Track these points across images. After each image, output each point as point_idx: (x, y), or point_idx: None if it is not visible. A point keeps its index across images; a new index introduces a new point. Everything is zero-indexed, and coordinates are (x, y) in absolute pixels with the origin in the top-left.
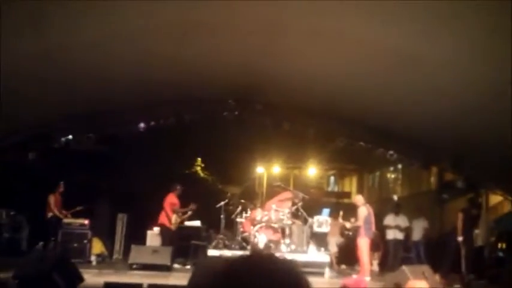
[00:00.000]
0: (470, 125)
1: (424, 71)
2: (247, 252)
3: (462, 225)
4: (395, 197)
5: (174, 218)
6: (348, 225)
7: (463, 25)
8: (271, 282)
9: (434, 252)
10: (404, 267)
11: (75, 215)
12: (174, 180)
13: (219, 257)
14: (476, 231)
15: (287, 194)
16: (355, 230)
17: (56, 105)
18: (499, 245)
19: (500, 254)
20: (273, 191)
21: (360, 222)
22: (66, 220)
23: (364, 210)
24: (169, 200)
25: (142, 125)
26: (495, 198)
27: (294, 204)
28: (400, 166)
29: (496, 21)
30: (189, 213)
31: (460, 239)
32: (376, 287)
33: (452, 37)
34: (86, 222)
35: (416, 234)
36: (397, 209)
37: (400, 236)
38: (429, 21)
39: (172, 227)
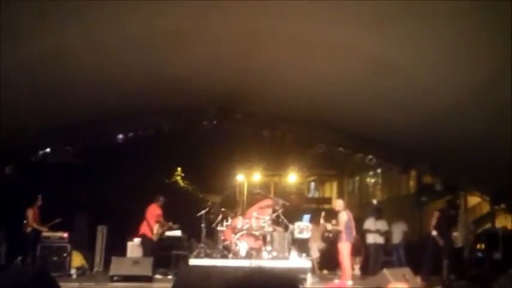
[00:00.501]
0: (448, 129)
1: (402, 77)
2: (228, 261)
3: (437, 223)
4: (374, 201)
5: (156, 228)
6: (329, 226)
7: (441, 32)
8: None
9: (415, 255)
10: (385, 271)
11: (54, 229)
12: (154, 191)
13: (199, 267)
14: (455, 233)
15: (267, 201)
16: (336, 233)
17: (32, 119)
18: (478, 246)
19: (480, 254)
20: (253, 199)
21: (341, 227)
22: (45, 234)
23: (345, 215)
24: (152, 210)
25: (120, 136)
26: (473, 200)
27: (274, 211)
28: (379, 170)
29: (472, 26)
30: (170, 226)
31: (434, 233)
32: None
33: (431, 43)
34: (65, 235)
35: (396, 238)
36: (377, 213)
37: (380, 240)
38: (407, 28)
39: (154, 238)
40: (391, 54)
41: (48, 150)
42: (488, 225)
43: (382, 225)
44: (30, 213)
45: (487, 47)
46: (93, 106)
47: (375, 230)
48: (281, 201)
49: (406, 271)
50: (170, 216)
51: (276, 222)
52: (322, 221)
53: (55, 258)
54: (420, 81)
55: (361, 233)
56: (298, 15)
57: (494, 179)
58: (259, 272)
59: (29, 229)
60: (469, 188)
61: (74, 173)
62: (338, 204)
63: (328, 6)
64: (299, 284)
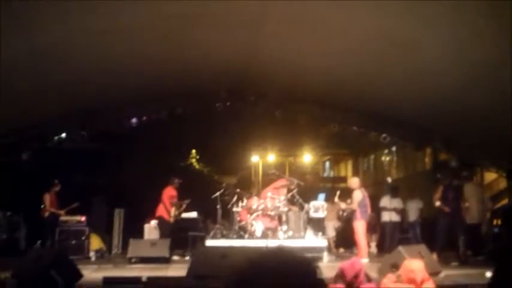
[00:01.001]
0: (462, 105)
1: (414, 55)
2: (244, 241)
3: (441, 196)
4: (389, 179)
5: (173, 210)
6: (343, 205)
7: (454, 6)
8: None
9: (431, 232)
10: (400, 248)
11: (72, 213)
12: (170, 173)
13: (215, 247)
14: (467, 204)
15: (282, 181)
16: (350, 212)
17: (47, 105)
18: (495, 222)
19: (496, 230)
20: (268, 179)
21: (355, 206)
22: (63, 218)
23: (359, 194)
24: (167, 192)
25: (134, 120)
26: (490, 176)
27: (289, 190)
28: (394, 148)
29: (486, 5)
30: (184, 206)
31: (437, 203)
32: (373, 268)
33: (442, 19)
34: (83, 219)
35: (412, 215)
36: (393, 191)
37: (396, 217)
38: (420, 7)
39: (171, 220)
40: (404, 33)
41: (63, 135)
42: (505, 201)
43: (398, 203)
44: (47, 198)
45: (500, 25)
46: (106, 91)
47: (391, 208)
48: (296, 181)
49: (422, 248)
50: (186, 198)
51: (291, 201)
52: (336, 199)
53: (73, 242)
54: (433, 59)
55: (377, 211)
56: None
57: (510, 154)
58: (275, 252)
59: (46, 213)
60: (485, 164)
61: (89, 157)
62: (353, 182)
63: None
64: (315, 263)
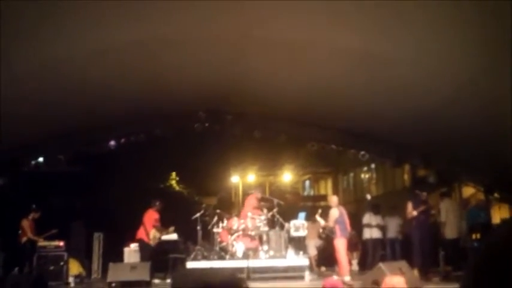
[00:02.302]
0: (439, 121)
1: (390, 71)
2: (226, 262)
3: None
4: (368, 196)
5: (152, 233)
6: (322, 222)
7: (427, 22)
8: None
9: (411, 248)
10: (381, 264)
11: (50, 238)
12: (149, 196)
13: (195, 269)
14: (443, 219)
15: (252, 198)
16: (330, 230)
17: (24, 128)
18: (474, 236)
19: (475, 244)
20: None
21: (331, 224)
22: (41, 243)
23: (336, 212)
24: (149, 215)
25: (113, 142)
26: (468, 190)
27: (270, 209)
28: (373, 166)
29: (461, 16)
30: (169, 229)
31: (414, 213)
32: (355, 286)
33: (418, 36)
34: (61, 244)
35: (392, 232)
36: (375, 208)
37: (377, 234)
38: (392, 22)
39: (151, 242)
40: (379, 50)
41: (41, 159)
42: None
43: (379, 220)
44: (25, 224)
45: (477, 39)
46: (84, 113)
47: (375, 225)
48: (276, 201)
49: (402, 264)
50: (166, 220)
51: (271, 221)
52: (318, 217)
53: (52, 267)
54: (410, 75)
55: (358, 228)
56: (285, 17)
57: (487, 169)
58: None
59: (24, 239)
60: (463, 179)
61: (68, 181)
62: (332, 200)
63: (314, 7)
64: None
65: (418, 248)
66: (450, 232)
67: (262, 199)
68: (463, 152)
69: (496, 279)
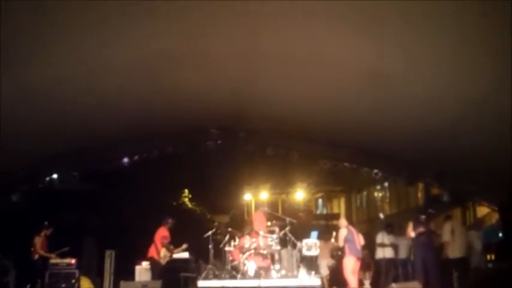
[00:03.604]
0: (452, 138)
1: (403, 89)
2: (237, 281)
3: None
4: (381, 215)
5: (163, 251)
6: (333, 241)
7: (440, 42)
8: None
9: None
10: (393, 285)
11: (62, 255)
12: (162, 213)
13: None
14: (443, 239)
15: (258, 215)
16: (340, 250)
17: (37, 146)
18: (488, 257)
19: (490, 265)
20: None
21: (340, 243)
22: (52, 260)
23: (344, 231)
24: (160, 233)
25: (126, 159)
26: (483, 210)
27: (282, 228)
28: (386, 184)
29: (471, 34)
30: (181, 247)
31: (412, 234)
32: None
33: (428, 53)
34: (73, 261)
35: (404, 252)
36: (388, 227)
37: (389, 254)
38: (403, 39)
39: (162, 261)
40: (391, 67)
41: (54, 176)
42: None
43: (392, 239)
44: (38, 240)
45: (487, 55)
46: (98, 131)
47: (388, 244)
48: (288, 219)
49: (415, 284)
50: (178, 238)
51: (283, 240)
52: (333, 240)
53: (63, 285)
54: (421, 92)
55: (371, 248)
56: (299, 33)
57: (501, 188)
58: None
59: (36, 256)
60: (476, 198)
61: (81, 198)
62: (341, 222)
63: (325, 22)
64: None
65: (419, 268)
66: (452, 252)
67: (270, 215)
68: (476, 171)
69: None
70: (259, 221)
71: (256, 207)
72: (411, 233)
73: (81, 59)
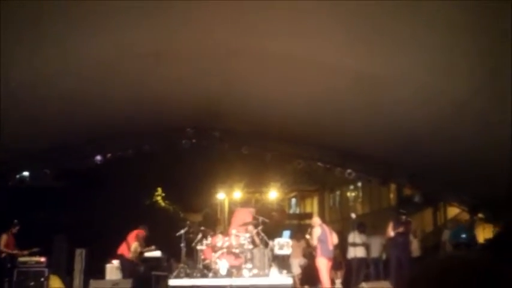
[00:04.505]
0: (426, 141)
1: (376, 90)
2: (208, 280)
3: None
4: (353, 215)
5: (134, 246)
6: (307, 237)
7: (415, 42)
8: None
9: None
10: (364, 284)
11: (32, 253)
12: (135, 212)
13: None
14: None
15: (243, 215)
16: (315, 249)
17: (9, 143)
18: None
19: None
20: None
21: (314, 242)
22: (21, 259)
23: (318, 230)
24: (135, 232)
25: (98, 157)
26: (453, 210)
27: (257, 226)
28: (359, 184)
29: (450, 35)
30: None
31: (392, 234)
32: None
33: (405, 55)
34: (43, 259)
35: (375, 251)
36: (361, 227)
37: (361, 253)
38: (380, 40)
39: (132, 256)
40: (369, 69)
41: (26, 173)
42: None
43: (364, 238)
44: (4, 238)
45: (464, 57)
46: (71, 129)
47: (360, 244)
48: (261, 218)
49: (385, 284)
50: (151, 236)
51: (255, 239)
52: (308, 236)
53: (32, 284)
54: (398, 95)
55: (343, 247)
56: (276, 33)
57: (472, 190)
58: None
59: (2, 255)
60: (448, 199)
61: (52, 196)
62: (314, 220)
63: (306, 23)
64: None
65: (394, 267)
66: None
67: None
68: (448, 173)
69: None
70: (242, 220)
71: (231, 208)
72: (391, 233)
73: (58, 58)
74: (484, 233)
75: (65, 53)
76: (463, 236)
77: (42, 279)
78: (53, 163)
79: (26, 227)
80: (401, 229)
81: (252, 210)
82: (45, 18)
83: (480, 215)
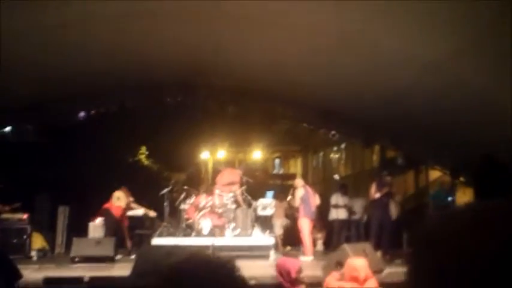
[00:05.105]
0: (409, 102)
1: (362, 52)
2: (191, 239)
3: (375, 190)
4: (336, 177)
5: (117, 194)
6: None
7: (406, 8)
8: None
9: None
10: (345, 246)
11: (14, 210)
12: (118, 170)
13: (160, 246)
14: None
15: (228, 175)
16: (297, 210)
17: None
18: None
19: None
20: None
21: (296, 203)
22: (3, 216)
23: (301, 191)
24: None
25: (82, 114)
26: (435, 174)
27: (242, 185)
28: (343, 146)
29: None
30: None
31: (377, 195)
32: (318, 266)
33: (394, 20)
34: (25, 216)
35: (357, 213)
36: (343, 189)
37: (343, 215)
38: (371, 4)
39: (117, 203)
40: (356, 30)
41: (8, 129)
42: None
43: (347, 200)
44: None
45: (449, 24)
46: (54, 84)
47: (342, 206)
48: (244, 178)
49: (366, 246)
50: (135, 195)
51: (239, 199)
52: (290, 197)
53: (15, 241)
54: (383, 57)
55: (325, 208)
56: None
57: (453, 153)
58: (196, 257)
59: None
60: (430, 162)
61: (35, 152)
62: (297, 182)
63: None
64: (235, 268)
65: (376, 229)
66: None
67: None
68: (431, 135)
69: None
70: (231, 179)
71: (215, 167)
72: (375, 195)
73: (41, 15)
74: (464, 197)
75: (42, 8)
76: (448, 199)
77: (25, 236)
78: (35, 119)
79: (8, 183)
80: (383, 191)
81: (239, 171)
82: None
83: (461, 179)
